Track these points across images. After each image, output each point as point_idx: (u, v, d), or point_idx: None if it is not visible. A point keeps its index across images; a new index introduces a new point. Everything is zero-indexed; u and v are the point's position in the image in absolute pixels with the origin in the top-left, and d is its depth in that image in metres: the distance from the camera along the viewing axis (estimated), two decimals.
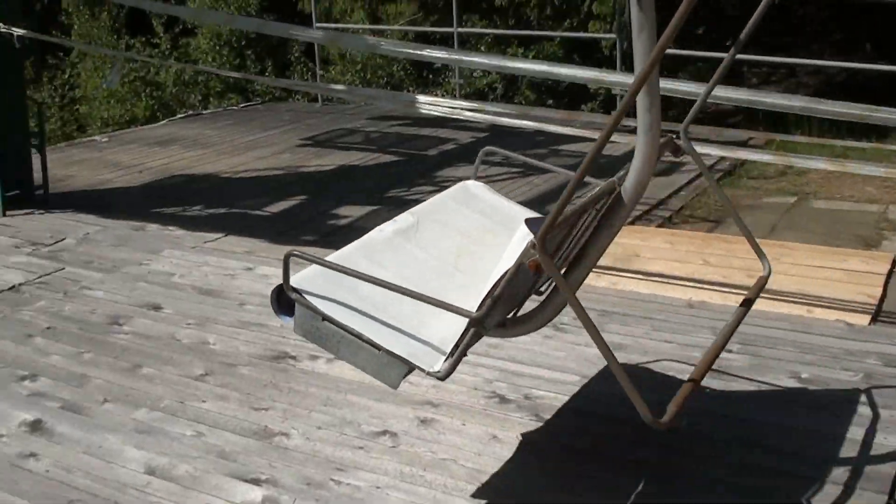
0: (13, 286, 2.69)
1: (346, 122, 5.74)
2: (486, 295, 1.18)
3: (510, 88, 7.07)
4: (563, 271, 1.33)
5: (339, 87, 6.37)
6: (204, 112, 6.75)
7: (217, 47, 7.72)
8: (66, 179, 4.25)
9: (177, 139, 5.36)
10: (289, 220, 3.60)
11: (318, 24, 6.17)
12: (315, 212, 3.70)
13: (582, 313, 1.14)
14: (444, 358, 1.20)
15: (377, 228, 1.49)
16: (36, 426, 1.81)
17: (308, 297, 1.24)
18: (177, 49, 7.95)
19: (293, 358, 2.11)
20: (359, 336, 1.22)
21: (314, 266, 1.28)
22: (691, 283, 2.56)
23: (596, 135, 2.61)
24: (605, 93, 6.22)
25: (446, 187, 1.73)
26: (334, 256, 1.37)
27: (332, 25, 6.91)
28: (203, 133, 5.53)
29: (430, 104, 3.52)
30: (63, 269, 2.88)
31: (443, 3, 7.00)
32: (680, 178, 3.94)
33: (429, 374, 1.18)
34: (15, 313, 2.46)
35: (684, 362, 1.96)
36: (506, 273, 1.16)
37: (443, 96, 6.45)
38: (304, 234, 3.33)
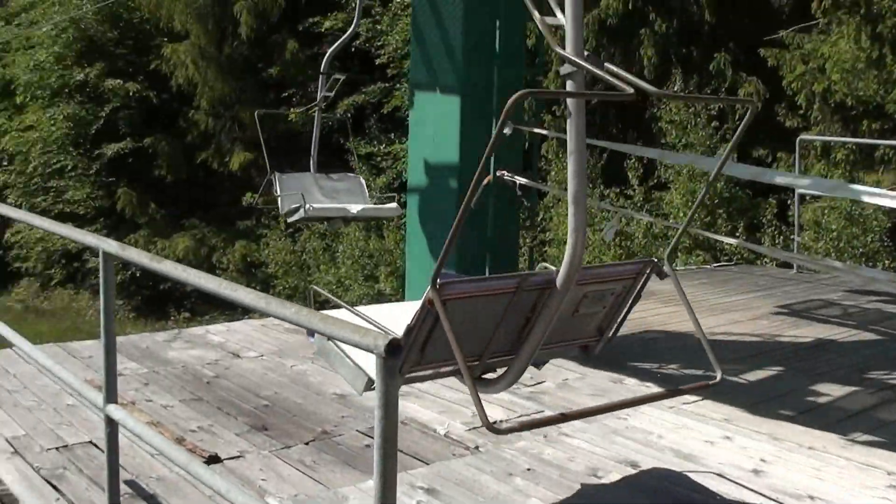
0: (495, 422, 3.82)
1: (823, 292, 6.47)
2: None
3: None
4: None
5: (822, 260, 7.13)
6: (678, 269, 8.13)
7: (689, 203, 9.19)
8: None
9: (652, 293, 6.61)
10: (765, 390, 4.15)
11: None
12: (793, 385, 4.24)
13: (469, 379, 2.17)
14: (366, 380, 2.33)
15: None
16: None
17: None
18: (649, 202, 9.76)
19: None
20: (346, 355, 2.23)
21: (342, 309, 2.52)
22: None
23: None
24: None
25: None
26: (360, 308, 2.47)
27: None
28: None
29: None
30: (542, 411, 3.74)
31: None
32: None
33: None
34: (497, 449, 3.24)
35: None
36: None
37: None
38: (783, 408, 3.84)
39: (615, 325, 3.00)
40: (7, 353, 4.73)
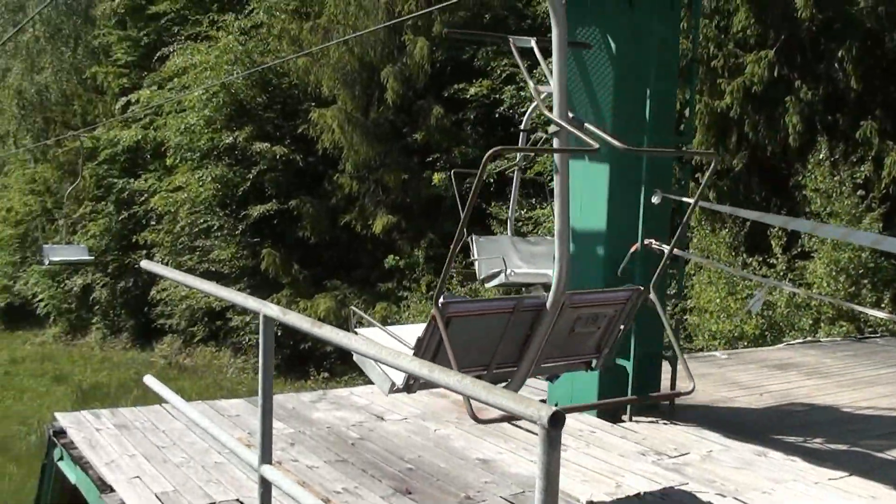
0: (638, 493, 4.17)
1: None
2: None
3: None
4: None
5: None
6: (822, 340, 9.38)
7: (833, 273, 10.53)
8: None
9: (795, 364, 7.58)
10: None
11: None
12: None
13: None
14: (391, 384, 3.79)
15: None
16: None
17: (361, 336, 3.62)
18: (792, 271, 11.15)
19: None
20: (377, 362, 3.52)
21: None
22: None
23: None
24: None
25: None
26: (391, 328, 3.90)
27: None
28: (822, 361, 7.68)
29: None
30: (686, 483, 4.23)
31: None
32: None
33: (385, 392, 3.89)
34: None
35: None
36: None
37: None
38: None
39: (611, 344, 4.30)
40: (156, 409, 5.57)
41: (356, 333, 4.01)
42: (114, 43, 25.79)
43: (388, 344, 3.64)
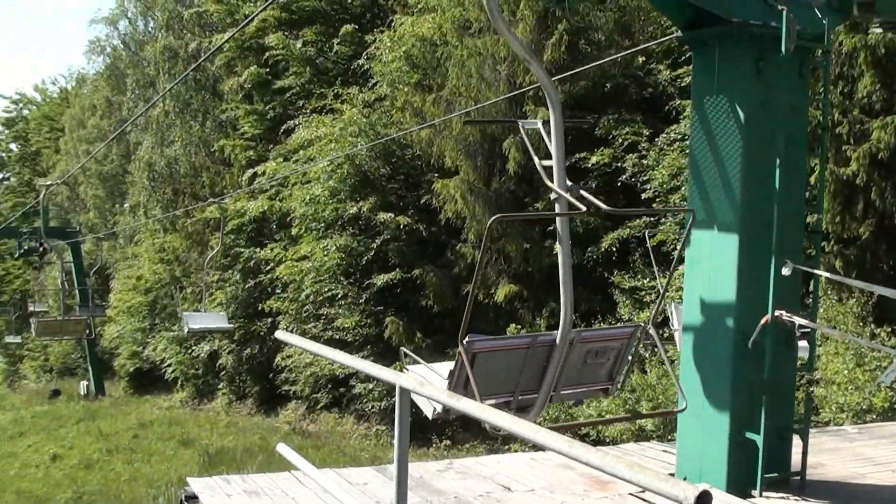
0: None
1: None
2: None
3: None
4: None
5: None
6: None
7: None
8: (817, 467, 6.21)
9: None
10: None
11: None
12: None
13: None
14: (433, 409, 5.00)
15: None
16: None
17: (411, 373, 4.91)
18: None
19: None
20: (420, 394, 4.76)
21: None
22: None
23: None
24: None
25: None
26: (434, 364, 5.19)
27: None
28: None
29: None
30: None
31: None
32: None
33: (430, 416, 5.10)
34: None
35: None
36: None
37: None
38: None
39: (622, 375, 5.48)
40: (286, 476, 6.00)
41: (407, 371, 5.53)
42: (241, 117, 27.74)
43: (432, 378, 5.11)
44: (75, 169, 43.13)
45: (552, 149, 5.19)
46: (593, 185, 16.10)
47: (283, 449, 5.92)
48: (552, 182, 5.12)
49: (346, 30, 23.47)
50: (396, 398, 3.48)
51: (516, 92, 15.75)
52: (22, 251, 37.92)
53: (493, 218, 4.90)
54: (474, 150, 17.58)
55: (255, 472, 15.35)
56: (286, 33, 25.41)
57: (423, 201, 18.88)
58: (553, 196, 5.15)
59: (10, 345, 52.42)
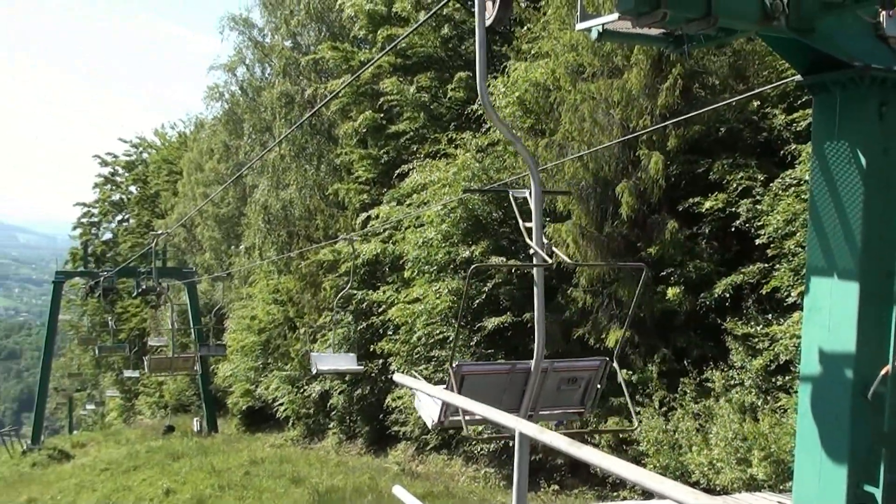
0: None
1: None
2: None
3: None
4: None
5: None
6: None
7: None
8: None
9: None
10: None
11: None
12: None
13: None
14: (433, 419, 6.81)
15: None
16: None
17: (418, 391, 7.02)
18: None
19: None
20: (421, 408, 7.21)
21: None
22: None
23: None
24: None
25: None
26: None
27: None
28: None
29: None
30: None
31: None
32: None
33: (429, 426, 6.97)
34: None
35: None
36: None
37: None
38: None
39: (592, 399, 6.75)
40: None
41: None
42: (355, 161, 29.02)
43: (426, 392, 6.74)
44: (193, 211, 45.55)
45: (533, 213, 6.48)
46: (706, 231, 16.44)
47: (399, 492, 6.91)
48: (531, 240, 6.44)
49: (461, 76, 24.47)
50: (516, 443, 3.66)
51: (629, 136, 16.30)
52: (140, 290, 40.27)
53: (472, 267, 7.18)
54: (587, 195, 18.12)
55: None
56: (400, 79, 26.64)
57: None
58: (531, 251, 6.47)
59: (126, 381, 55.29)
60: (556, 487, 18.26)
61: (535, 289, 6.49)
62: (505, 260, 19.71)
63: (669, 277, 16.59)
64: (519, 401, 6.57)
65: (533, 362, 6.48)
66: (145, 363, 33.19)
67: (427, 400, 7.41)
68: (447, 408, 6.64)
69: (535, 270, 6.51)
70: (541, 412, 6.76)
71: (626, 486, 16.70)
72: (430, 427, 7.13)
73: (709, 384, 15.41)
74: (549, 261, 6.27)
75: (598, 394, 6.95)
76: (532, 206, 6.49)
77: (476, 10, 6.20)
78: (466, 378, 6.45)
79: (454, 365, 6.51)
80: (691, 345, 16.55)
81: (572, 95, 18.05)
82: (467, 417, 6.47)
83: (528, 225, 6.56)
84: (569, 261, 6.95)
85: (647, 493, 15.96)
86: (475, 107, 22.32)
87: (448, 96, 25.27)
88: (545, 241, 6.42)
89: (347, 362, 20.06)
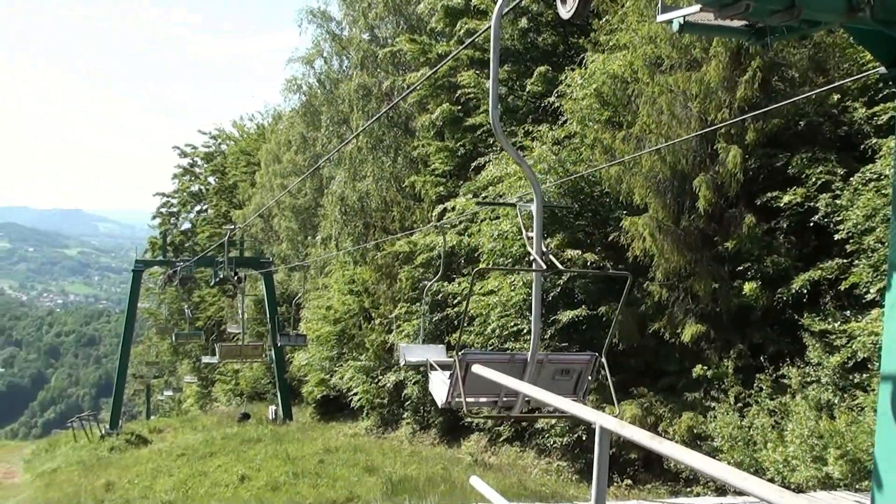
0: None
1: None
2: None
3: None
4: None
5: None
6: None
7: None
8: None
9: None
10: None
11: None
12: None
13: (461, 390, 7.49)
14: (441, 400, 7.83)
15: None
16: None
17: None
18: None
19: None
20: (434, 386, 8.44)
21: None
22: None
23: None
24: None
25: None
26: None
27: None
28: None
29: None
30: None
31: None
32: None
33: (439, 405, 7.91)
34: None
35: None
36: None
37: None
38: None
39: (584, 390, 7.47)
40: None
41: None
42: (431, 153, 29.57)
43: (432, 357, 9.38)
44: (270, 202, 46.72)
45: (535, 226, 7.52)
46: (784, 225, 16.53)
47: (476, 482, 7.62)
48: (531, 248, 7.48)
49: (540, 70, 24.81)
50: (596, 437, 3.67)
51: (707, 129, 16.48)
52: (217, 280, 41.56)
53: (477, 269, 9.61)
54: (664, 188, 18.35)
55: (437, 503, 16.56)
56: (477, 72, 27.09)
57: (610, 238, 19.80)
58: (531, 258, 7.51)
59: (203, 368, 57.00)
60: (630, 482, 18.55)
61: (533, 291, 7.81)
62: (580, 253, 20.00)
63: (746, 272, 16.74)
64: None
65: (529, 354, 7.50)
66: (217, 350, 34.40)
67: (437, 382, 8.53)
68: (453, 390, 7.50)
69: (533, 276, 7.67)
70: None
71: (699, 482, 16.94)
72: (439, 406, 8.02)
73: (785, 381, 15.55)
74: (545, 267, 7.34)
75: (589, 385, 7.79)
76: (535, 219, 7.48)
77: (491, 48, 7.00)
78: (471, 366, 7.33)
79: (460, 353, 7.37)
80: (768, 340, 16.70)
81: (650, 88, 18.29)
82: (469, 399, 7.52)
83: (529, 235, 7.57)
84: (561, 267, 7.67)
85: (721, 490, 16.18)
86: (552, 99, 22.62)
87: (526, 90, 25.62)
88: (544, 248, 7.45)
89: (436, 353, 20.50)
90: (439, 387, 8.26)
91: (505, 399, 7.72)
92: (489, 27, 7.05)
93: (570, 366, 7.69)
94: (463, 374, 7.27)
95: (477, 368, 7.12)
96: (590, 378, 7.69)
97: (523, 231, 7.70)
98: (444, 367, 9.06)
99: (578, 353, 8.12)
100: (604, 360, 7.73)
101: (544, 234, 21.63)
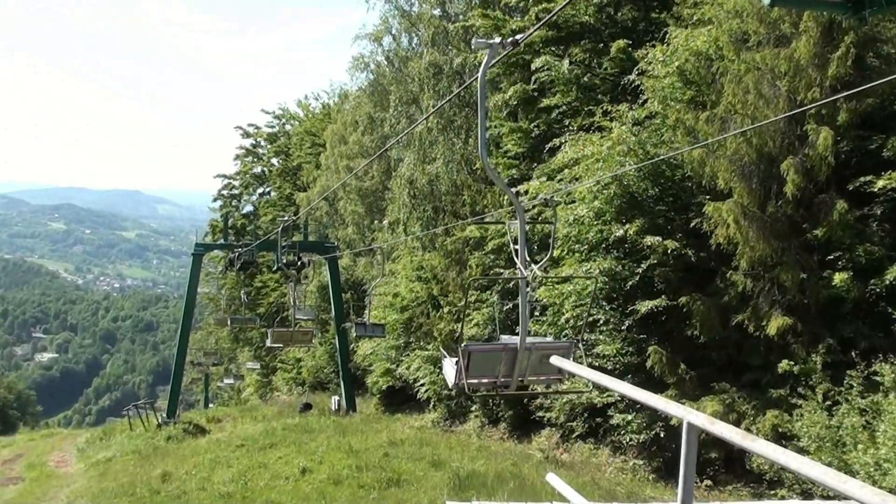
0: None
1: None
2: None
3: None
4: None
5: None
6: None
7: None
8: None
9: None
10: None
11: None
12: None
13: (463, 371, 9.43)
14: (451, 381, 9.82)
15: None
16: None
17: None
18: None
19: None
20: (446, 370, 10.24)
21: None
22: None
23: None
24: None
25: None
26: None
27: None
28: None
29: None
30: None
31: None
32: None
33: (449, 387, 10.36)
34: None
35: None
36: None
37: None
38: None
39: (566, 372, 9.25)
40: None
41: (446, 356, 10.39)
42: (504, 134, 29.77)
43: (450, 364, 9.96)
44: (336, 185, 47.43)
45: (519, 240, 9.03)
46: (878, 212, 16.43)
47: (553, 479, 7.81)
48: (517, 259, 9.07)
49: (618, 45, 24.85)
50: (683, 434, 3.63)
51: (797, 110, 16.42)
52: (278, 265, 42.42)
53: (470, 279, 12.05)
54: (749, 172, 18.35)
55: (508, 500, 16.78)
56: (553, 50, 27.21)
57: (692, 225, 19.82)
58: (516, 270, 9.17)
59: (265, 356, 58.15)
60: (710, 483, 18.63)
61: (520, 295, 9.53)
62: (661, 240, 20.06)
63: (837, 262, 16.69)
64: (511, 369, 9.36)
65: (518, 343, 9.27)
66: (269, 335, 35.22)
67: (448, 367, 10.15)
68: (460, 372, 9.20)
69: (520, 282, 9.31)
70: (530, 377, 9.55)
71: (784, 484, 16.96)
72: (449, 387, 9.99)
73: (877, 378, 15.48)
74: (527, 275, 9.04)
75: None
76: (518, 234, 9.09)
77: (479, 98, 9.10)
78: (473, 354, 9.24)
79: (462, 345, 9.17)
80: (859, 335, 16.63)
81: (736, 65, 18.29)
82: (472, 381, 9.37)
83: (515, 247, 9.20)
84: (541, 274, 9.41)
85: (808, 494, 16.15)
86: (632, 77, 22.66)
87: (603, 67, 25.68)
88: (528, 259, 9.14)
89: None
90: (450, 371, 10.04)
91: (502, 380, 9.49)
92: (561, 7, 7.25)
93: (554, 351, 9.28)
94: (466, 362, 9.15)
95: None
96: (570, 358, 9.58)
97: (510, 245, 9.98)
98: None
99: (559, 341, 11.11)
100: (581, 347, 9.99)
101: (622, 220, 21.81)
